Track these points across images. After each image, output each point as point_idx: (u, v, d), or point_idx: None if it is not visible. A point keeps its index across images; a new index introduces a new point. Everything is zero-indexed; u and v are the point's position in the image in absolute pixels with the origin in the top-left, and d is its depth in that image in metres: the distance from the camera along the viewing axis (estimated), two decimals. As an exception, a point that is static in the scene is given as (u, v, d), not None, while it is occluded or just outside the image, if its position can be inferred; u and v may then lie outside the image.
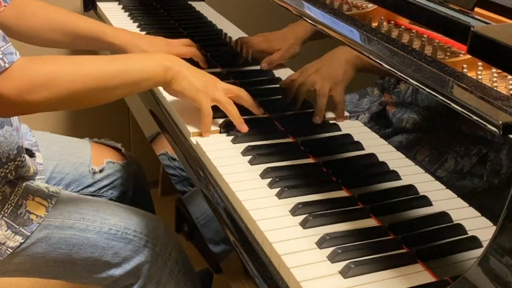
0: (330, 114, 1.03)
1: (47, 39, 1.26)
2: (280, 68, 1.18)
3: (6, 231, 1.02)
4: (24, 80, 0.88)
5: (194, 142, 1.05)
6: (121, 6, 1.71)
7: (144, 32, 1.50)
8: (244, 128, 1.05)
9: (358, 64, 0.94)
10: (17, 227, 1.03)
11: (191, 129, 1.06)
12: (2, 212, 1.03)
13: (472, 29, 0.71)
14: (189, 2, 1.60)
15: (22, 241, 1.04)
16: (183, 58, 1.12)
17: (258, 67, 1.23)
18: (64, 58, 0.96)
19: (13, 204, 1.04)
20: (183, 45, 1.28)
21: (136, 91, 1.06)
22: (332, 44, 0.95)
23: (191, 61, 1.24)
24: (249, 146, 1.01)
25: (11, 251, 1.03)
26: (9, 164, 1.05)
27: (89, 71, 0.95)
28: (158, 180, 2.12)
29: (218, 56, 1.34)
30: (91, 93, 0.96)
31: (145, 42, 1.24)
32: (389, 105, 0.91)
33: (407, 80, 0.79)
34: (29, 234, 1.04)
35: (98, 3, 1.72)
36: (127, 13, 1.65)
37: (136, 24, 1.56)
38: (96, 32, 1.24)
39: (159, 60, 1.04)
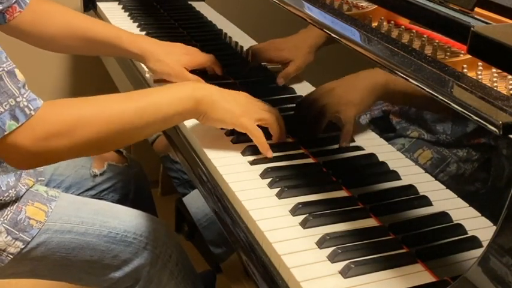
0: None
1: (63, 44, 1.25)
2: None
3: (6, 237, 1.02)
4: (43, 129, 0.84)
5: (193, 141, 1.05)
6: (121, 6, 1.71)
7: (144, 32, 1.50)
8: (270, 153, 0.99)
9: (382, 93, 0.89)
10: (17, 233, 1.03)
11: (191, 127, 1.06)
12: (2, 219, 1.02)
13: (472, 29, 0.71)
14: (189, 2, 1.60)
15: (23, 247, 1.03)
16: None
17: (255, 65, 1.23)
18: (85, 101, 0.90)
19: (12, 210, 1.04)
20: (202, 54, 1.24)
21: (166, 127, 0.99)
22: (343, 48, 0.94)
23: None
24: (249, 146, 1.01)
25: (12, 257, 1.03)
26: (10, 191, 1.04)
27: (112, 113, 0.89)
28: (158, 180, 2.12)
29: (217, 56, 1.34)
30: (116, 136, 0.91)
31: (164, 51, 1.21)
32: (393, 114, 0.91)
33: (408, 80, 0.79)
34: (30, 239, 1.03)
35: (98, 3, 1.72)
36: (127, 13, 1.65)
37: (136, 24, 1.56)
38: (113, 38, 1.22)
39: (189, 91, 0.97)
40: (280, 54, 1.15)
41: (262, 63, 1.22)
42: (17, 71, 0.85)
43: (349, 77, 0.95)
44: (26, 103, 0.83)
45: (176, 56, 1.21)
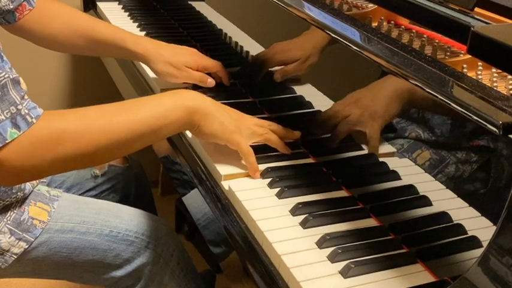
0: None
1: (67, 44, 1.25)
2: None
3: (10, 238, 1.02)
4: (29, 144, 0.80)
5: (193, 141, 1.05)
6: (121, 6, 1.71)
7: (144, 32, 1.50)
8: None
9: (407, 98, 0.86)
10: (21, 233, 1.03)
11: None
12: (5, 219, 1.02)
13: (472, 29, 0.71)
14: (189, 2, 1.60)
15: (26, 247, 1.03)
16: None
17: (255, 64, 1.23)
18: (71, 113, 0.86)
19: (15, 211, 1.04)
20: (208, 58, 1.23)
21: (158, 139, 0.94)
22: (343, 48, 0.94)
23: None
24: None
25: (16, 257, 1.03)
26: (18, 193, 1.04)
27: (98, 125, 0.86)
28: (158, 180, 2.12)
29: (217, 56, 1.34)
30: (103, 150, 0.87)
31: (168, 52, 1.19)
32: None
33: (408, 80, 0.79)
34: (33, 240, 1.04)
35: (97, 3, 1.73)
36: (127, 13, 1.65)
37: (136, 24, 1.57)
38: (117, 39, 1.22)
39: (182, 101, 0.93)
40: (282, 57, 1.14)
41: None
42: (21, 80, 0.84)
43: (370, 86, 0.93)
44: (26, 111, 0.81)
45: (181, 56, 1.20)
